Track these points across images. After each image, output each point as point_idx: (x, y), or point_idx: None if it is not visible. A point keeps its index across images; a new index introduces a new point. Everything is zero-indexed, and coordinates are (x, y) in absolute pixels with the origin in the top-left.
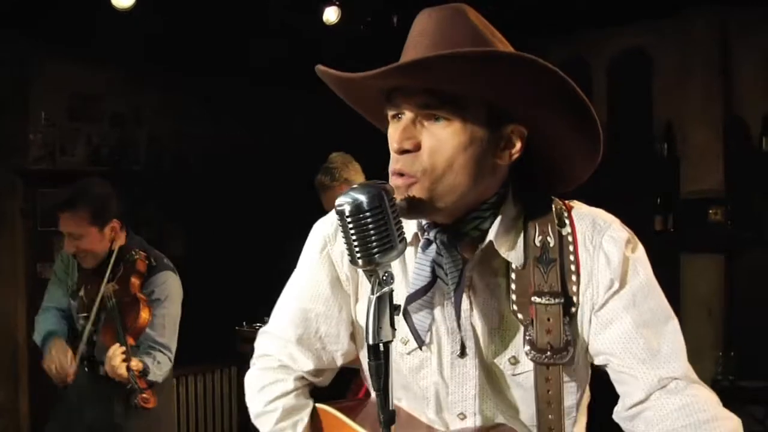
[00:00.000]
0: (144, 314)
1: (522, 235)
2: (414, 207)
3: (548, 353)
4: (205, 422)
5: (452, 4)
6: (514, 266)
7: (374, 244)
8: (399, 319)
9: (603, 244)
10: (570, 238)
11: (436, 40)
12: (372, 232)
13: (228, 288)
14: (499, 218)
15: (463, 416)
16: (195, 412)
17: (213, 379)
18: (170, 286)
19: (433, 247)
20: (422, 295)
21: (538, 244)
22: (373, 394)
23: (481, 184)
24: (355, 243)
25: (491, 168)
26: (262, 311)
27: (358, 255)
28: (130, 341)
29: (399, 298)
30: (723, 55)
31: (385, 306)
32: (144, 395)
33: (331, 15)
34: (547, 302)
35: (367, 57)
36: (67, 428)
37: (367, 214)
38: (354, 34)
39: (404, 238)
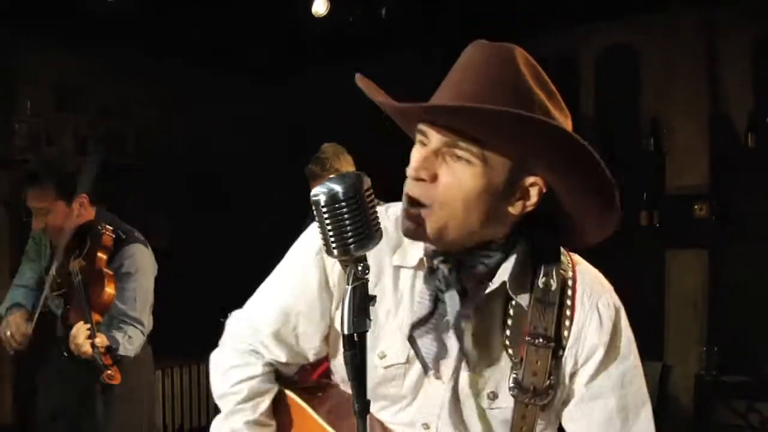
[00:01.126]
0: (109, 289)
1: (530, 276)
2: (419, 232)
3: (530, 394)
4: (191, 414)
5: (505, 45)
6: (513, 303)
7: (350, 234)
8: (378, 335)
9: (599, 306)
10: (570, 283)
11: (475, 84)
12: (348, 222)
13: (213, 280)
14: (513, 259)
15: (426, 426)
16: (180, 404)
17: (198, 372)
18: (139, 258)
19: (436, 275)
20: (425, 322)
21: (541, 285)
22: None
23: (490, 228)
24: (331, 233)
25: (503, 215)
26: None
27: (334, 245)
28: (96, 317)
29: (403, 322)
30: (710, 51)
31: (360, 297)
32: (109, 372)
33: (320, 7)
34: (539, 344)
35: (356, 49)
36: (52, 414)
37: (343, 204)
38: (343, 26)
39: (380, 229)
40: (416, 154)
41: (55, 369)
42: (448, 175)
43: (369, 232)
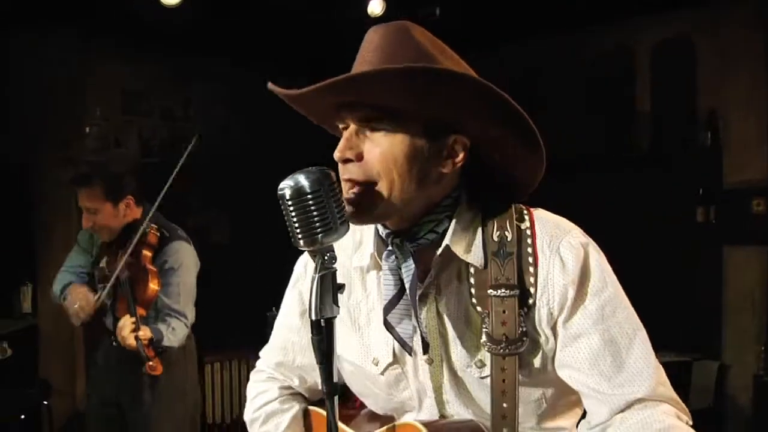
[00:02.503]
0: (153, 285)
1: (480, 234)
2: (363, 211)
3: (503, 344)
4: (232, 407)
5: (398, 21)
6: (471, 269)
7: (317, 225)
8: (367, 344)
9: (560, 249)
10: (528, 232)
11: (379, 57)
12: (314, 214)
13: (262, 274)
14: (453, 221)
15: (444, 417)
16: (239, 395)
17: (239, 367)
18: (183, 255)
19: (392, 260)
20: (396, 302)
21: (495, 239)
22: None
23: (427, 190)
24: (297, 225)
25: (436, 176)
26: None
27: (300, 236)
28: (141, 312)
29: (375, 318)
30: None
31: (327, 285)
32: (151, 363)
33: (376, 7)
34: (502, 294)
35: None
36: (103, 400)
37: (309, 197)
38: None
39: (345, 221)
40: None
41: (105, 358)
42: (372, 147)
43: (334, 224)
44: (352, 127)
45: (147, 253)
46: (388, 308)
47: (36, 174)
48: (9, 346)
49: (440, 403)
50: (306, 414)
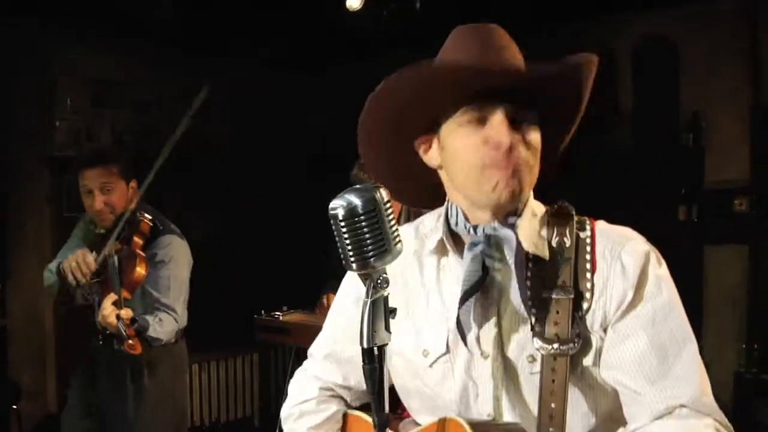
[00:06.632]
0: (140, 269)
1: (545, 231)
2: (516, 196)
3: (555, 344)
4: (227, 407)
5: (487, 24)
6: (531, 265)
7: (369, 248)
8: (419, 332)
9: (621, 254)
10: (588, 241)
11: (513, 52)
12: (367, 236)
13: (247, 276)
14: (527, 216)
15: (491, 417)
16: (216, 397)
17: (235, 365)
18: (174, 249)
19: (479, 247)
20: (477, 290)
21: (554, 244)
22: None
23: None
24: (349, 247)
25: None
26: (279, 300)
27: (352, 259)
28: (125, 294)
29: (436, 311)
30: (751, 42)
31: (380, 310)
32: (130, 342)
33: (354, 1)
34: (556, 297)
35: (390, 43)
36: (82, 404)
37: (362, 218)
38: (377, 19)
39: (400, 241)
40: (492, 130)
41: (91, 360)
42: (528, 136)
43: (388, 245)
44: (504, 114)
45: (138, 240)
46: (467, 294)
47: (4, 171)
48: None
49: (490, 401)
50: (344, 418)
